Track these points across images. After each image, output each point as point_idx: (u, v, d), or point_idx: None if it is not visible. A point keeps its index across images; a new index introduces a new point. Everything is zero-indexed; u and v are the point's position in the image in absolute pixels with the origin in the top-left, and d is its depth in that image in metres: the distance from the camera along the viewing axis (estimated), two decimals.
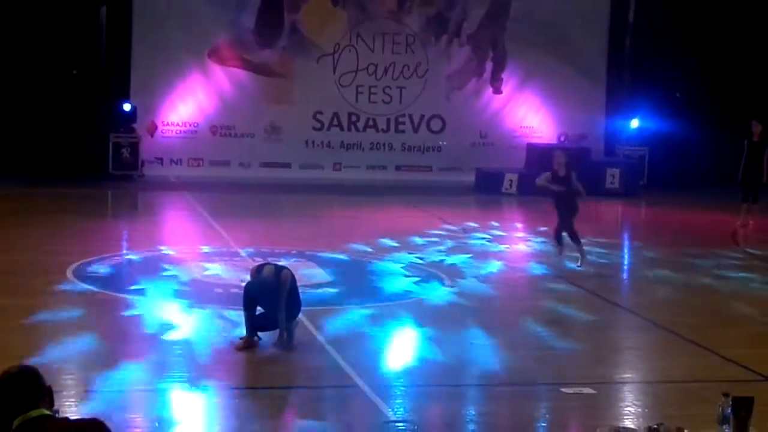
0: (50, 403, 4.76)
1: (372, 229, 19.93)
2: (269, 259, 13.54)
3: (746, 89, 29.00)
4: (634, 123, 28.66)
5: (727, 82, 28.89)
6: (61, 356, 10.71)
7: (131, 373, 10.30)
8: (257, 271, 11.29)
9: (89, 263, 15.40)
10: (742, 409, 6.41)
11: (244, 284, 11.54)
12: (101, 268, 15.15)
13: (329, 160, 28.58)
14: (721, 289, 15.52)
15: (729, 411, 6.36)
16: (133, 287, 14.19)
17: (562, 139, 28.50)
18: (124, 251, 16.88)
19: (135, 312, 12.85)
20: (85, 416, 5.62)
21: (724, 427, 6.38)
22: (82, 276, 14.49)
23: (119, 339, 11.56)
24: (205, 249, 17.18)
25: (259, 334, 11.26)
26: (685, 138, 28.42)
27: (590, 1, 29.30)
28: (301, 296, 11.66)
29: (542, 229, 19.82)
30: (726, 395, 6.39)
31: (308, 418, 9.25)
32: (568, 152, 18.06)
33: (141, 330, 11.98)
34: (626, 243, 20.76)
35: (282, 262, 12.81)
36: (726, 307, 14.26)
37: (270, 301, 11.15)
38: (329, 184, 26.97)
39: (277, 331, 11.22)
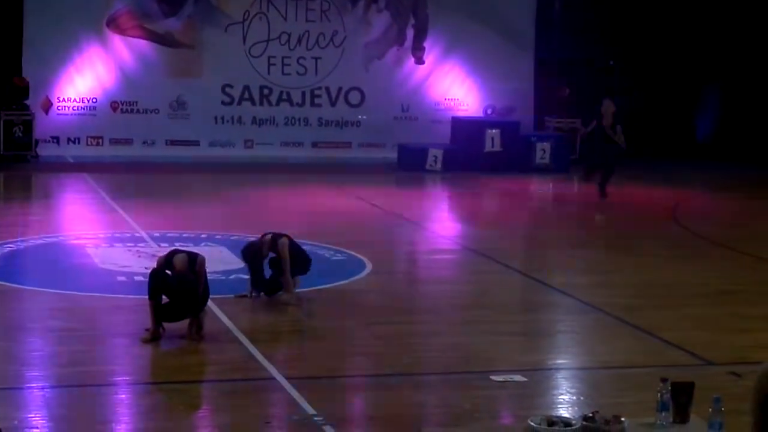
0: None
1: (288, 211, 19.87)
2: (177, 245, 13.48)
3: (684, 57, 29.34)
4: (565, 93, 28.81)
5: (665, 47, 29.17)
6: None
7: (26, 370, 10.18)
8: (167, 261, 11.22)
9: None
10: (682, 394, 6.47)
11: (149, 271, 11.45)
12: None
13: (240, 136, 28.40)
14: (658, 269, 15.70)
15: (668, 397, 6.42)
16: (28, 277, 14.03)
17: (489, 111, 28.61)
18: (18, 238, 16.65)
19: (30, 303, 12.72)
20: None
21: (663, 413, 6.43)
22: None
23: (12, 333, 11.43)
24: (107, 235, 17.01)
25: (165, 325, 11.19)
26: (620, 109, 28.63)
27: None
28: (212, 283, 11.64)
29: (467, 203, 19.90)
30: (664, 380, 6.44)
31: (221, 413, 9.22)
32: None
33: (37, 323, 11.86)
34: (557, 221, 20.90)
35: (191, 248, 12.74)
36: (664, 287, 14.42)
37: (182, 292, 11.09)
38: (241, 162, 26.81)
39: (186, 321, 11.16)
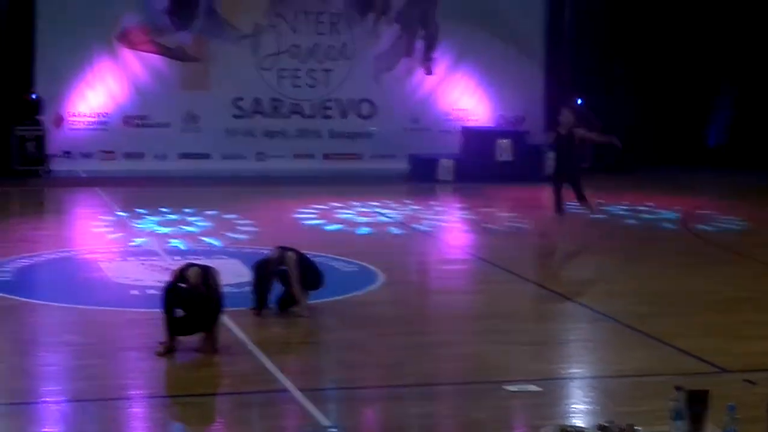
0: None
1: (300, 223, 19.89)
2: (190, 258, 13.48)
3: (694, 63, 29.31)
4: (576, 102, 28.76)
5: (675, 53, 29.15)
6: None
7: (42, 384, 10.19)
8: (181, 274, 11.23)
9: None
10: (697, 403, 6.45)
11: (163, 284, 11.45)
12: (7, 272, 14.95)
13: (252, 149, 28.45)
14: (669, 276, 15.66)
15: (683, 405, 6.40)
16: (41, 291, 14.04)
17: (499, 121, 28.59)
18: (32, 253, 16.67)
19: (44, 318, 12.73)
20: None
21: (678, 422, 6.41)
22: None
23: (26, 348, 11.43)
24: (120, 248, 17.03)
25: (179, 338, 11.18)
26: (630, 117, 28.64)
27: None
28: (224, 296, 11.63)
29: (479, 214, 19.87)
30: (679, 389, 6.43)
31: (235, 425, 9.21)
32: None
33: (51, 337, 11.86)
34: (569, 230, 20.86)
35: (204, 261, 12.75)
36: (676, 295, 14.38)
37: (195, 305, 11.09)
38: (253, 175, 26.84)
39: (200, 334, 11.14)
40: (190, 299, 11.08)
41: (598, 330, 12.70)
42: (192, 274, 11.17)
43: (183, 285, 11.17)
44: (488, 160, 26.57)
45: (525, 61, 29.38)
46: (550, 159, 20.29)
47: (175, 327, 11.09)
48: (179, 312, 11.12)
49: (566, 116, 19.07)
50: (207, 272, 11.25)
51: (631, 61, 28.98)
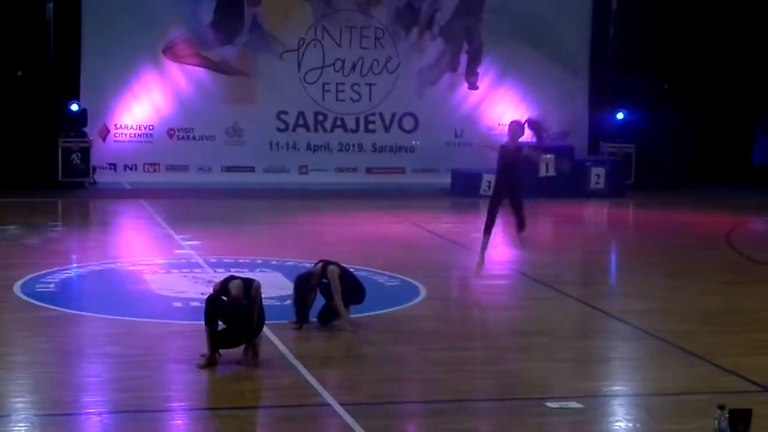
0: None
1: (341, 237, 19.91)
2: (233, 271, 13.53)
3: (739, 79, 29.14)
4: (620, 117, 28.68)
5: (718, 72, 29.01)
6: (9, 378, 10.65)
7: (84, 395, 10.25)
8: (223, 287, 11.27)
9: (38, 278, 15.30)
10: (740, 421, 6.43)
11: (205, 297, 11.49)
12: (51, 283, 15.06)
13: (295, 162, 28.51)
14: (713, 294, 15.57)
15: (726, 424, 6.37)
16: (85, 303, 14.12)
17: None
18: (76, 264, 16.78)
19: (88, 329, 12.80)
20: None
21: None
22: (30, 292, 14.39)
23: (71, 358, 11.51)
24: (163, 260, 17.11)
25: (221, 351, 11.22)
26: (675, 133, 28.53)
27: None
28: (267, 308, 11.67)
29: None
30: (722, 407, 6.40)
31: None
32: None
33: (95, 348, 11.93)
34: (613, 247, 20.80)
35: (246, 274, 12.79)
36: (719, 313, 14.30)
37: (237, 317, 11.12)
38: (295, 188, 26.91)
39: (242, 347, 11.18)
40: (232, 312, 11.11)
41: (640, 347, 12.64)
42: (234, 286, 11.21)
43: (225, 298, 11.21)
44: (531, 175, 26.48)
45: (569, 76, 29.32)
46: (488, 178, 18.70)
47: (216, 340, 11.13)
48: (221, 325, 11.17)
49: (514, 129, 17.13)
50: (249, 285, 11.29)
51: (675, 77, 28.85)
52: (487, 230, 16.56)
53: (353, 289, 12.90)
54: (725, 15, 28.92)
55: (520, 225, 16.65)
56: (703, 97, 29.02)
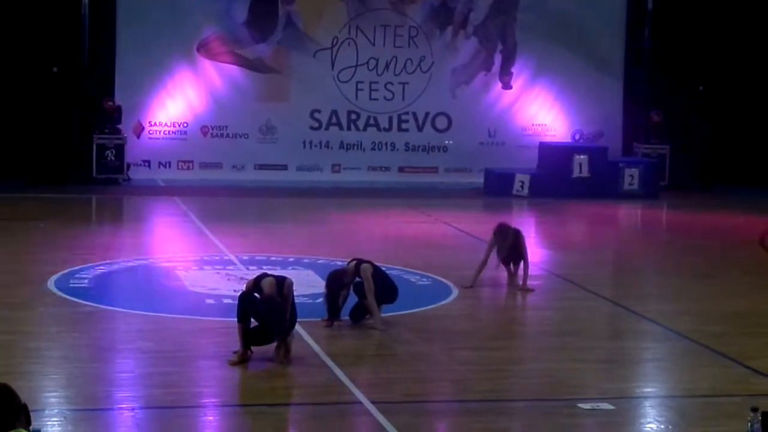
0: (27, 422, 4.70)
1: (373, 235, 19.94)
2: (265, 268, 13.57)
3: None
4: (654, 119, 28.59)
5: (754, 73, 28.87)
6: (43, 372, 10.73)
7: (117, 391, 10.31)
8: (255, 284, 11.32)
9: (72, 273, 15.40)
10: None
11: (238, 294, 11.55)
12: (85, 279, 15.15)
13: (328, 161, 28.55)
14: (745, 296, 15.51)
15: (759, 427, 6.35)
16: (119, 299, 14.20)
17: (577, 137, 28.46)
18: (110, 260, 16.87)
19: (121, 325, 12.87)
20: None
21: None
22: (64, 287, 14.49)
23: (104, 354, 11.58)
24: (196, 257, 17.18)
25: (253, 348, 11.26)
26: (709, 135, 28.41)
27: None
28: (299, 306, 11.71)
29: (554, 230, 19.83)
30: (755, 410, 6.38)
31: None
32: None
33: (128, 344, 12.00)
34: (645, 248, 20.73)
35: (279, 271, 12.83)
36: (751, 315, 14.24)
37: (269, 314, 11.16)
38: (328, 186, 26.96)
39: (274, 344, 11.21)
40: (265, 309, 11.15)
41: (672, 349, 12.61)
42: (267, 284, 11.25)
43: (257, 295, 11.25)
44: (565, 176, 26.47)
45: (603, 76, 29.22)
46: None
47: (249, 337, 11.17)
48: (253, 322, 11.21)
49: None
50: (282, 283, 11.32)
51: (709, 78, 28.73)
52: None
53: (386, 288, 12.93)
54: (761, 16, 28.77)
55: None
56: (738, 98, 28.88)
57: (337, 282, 12.80)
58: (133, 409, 9.74)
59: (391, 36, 28.62)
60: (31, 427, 4.69)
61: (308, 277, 15.35)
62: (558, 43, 28.77)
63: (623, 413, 10.03)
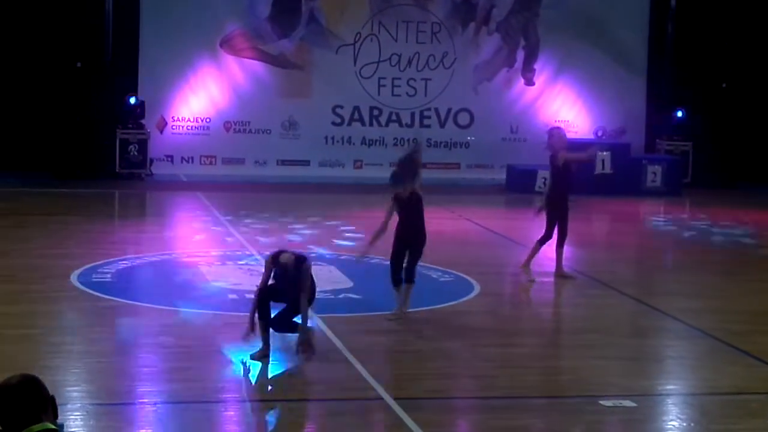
0: (54, 415, 4.68)
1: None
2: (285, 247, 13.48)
3: None
4: (677, 116, 28.51)
5: None
6: (65, 367, 10.76)
7: (139, 385, 10.33)
8: (273, 258, 11.24)
9: (95, 268, 15.44)
10: None
11: (256, 288, 11.47)
12: (108, 274, 15.19)
13: (350, 157, 28.57)
14: None
15: None
16: (141, 293, 14.23)
17: (599, 134, 28.39)
18: (133, 255, 16.92)
19: (143, 320, 12.90)
20: None
21: None
22: (87, 282, 14.53)
23: (127, 349, 11.61)
24: (219, 252, 17.21)
25: (276, 343, 11.24)
26: (732, 132, 28.31)
27: None
28: (321, 301, 11.68)
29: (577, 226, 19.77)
30: None
31: None
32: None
33: (150, 339, 12.02)
34: (667, 245, 20.68)
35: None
36: None
37: (285, 285, 11.08)
38: (350, 182, 26.96)
39: (295, 341, 11.20)
40: (280, 281, 11.08)
41: (694, 346, 12.58)
42: (285, 257, 11.21)
43: (273, 282, 11.20)
44: (587, 173, 26.39)
45: (626, 73, 29.15)
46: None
47: (273, 324, 11.10)
48: (274, 307, 11.13)
49: (558, 137, 16.66)
50: (301, 259, 11.28)
51: (733, 75, 28.63)
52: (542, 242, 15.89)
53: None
54: None
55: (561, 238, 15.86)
56: (761, 96, 28.78)
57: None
58: (155, 403, 9.77)
59: (413, 32, 28.61)
60: (57, 420, 4.67)
61: (330, 273, 15.36)
62: (581, 39, 28.71)
63: (645, 410, 10.01)
